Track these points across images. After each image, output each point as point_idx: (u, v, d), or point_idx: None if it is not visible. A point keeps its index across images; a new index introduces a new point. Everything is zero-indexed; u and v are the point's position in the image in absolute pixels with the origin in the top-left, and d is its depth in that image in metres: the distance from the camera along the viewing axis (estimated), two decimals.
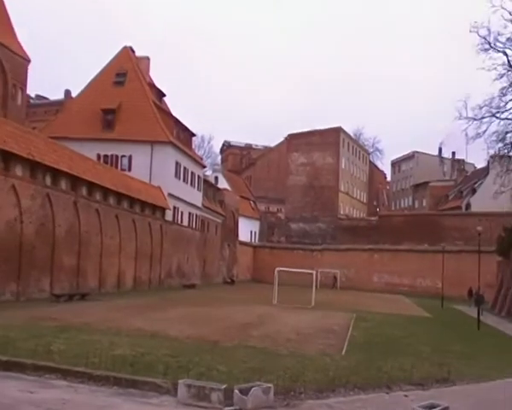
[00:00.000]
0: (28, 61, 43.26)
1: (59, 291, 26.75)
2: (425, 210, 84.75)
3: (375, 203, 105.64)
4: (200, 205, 51.49)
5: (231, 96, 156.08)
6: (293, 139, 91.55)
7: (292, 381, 10.72)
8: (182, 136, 48.53)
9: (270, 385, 9.65)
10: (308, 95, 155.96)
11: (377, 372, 12.21)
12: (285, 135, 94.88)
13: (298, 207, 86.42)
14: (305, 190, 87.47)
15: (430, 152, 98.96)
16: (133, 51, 50.12)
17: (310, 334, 18.79)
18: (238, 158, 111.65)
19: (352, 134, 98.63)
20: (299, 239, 78.42)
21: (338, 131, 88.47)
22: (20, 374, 10.49)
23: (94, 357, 11.41)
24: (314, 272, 36.74)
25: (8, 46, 40.60)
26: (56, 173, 27.37)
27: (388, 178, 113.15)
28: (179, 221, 46.23)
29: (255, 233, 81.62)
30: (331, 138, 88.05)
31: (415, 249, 62.14)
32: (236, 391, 9.23)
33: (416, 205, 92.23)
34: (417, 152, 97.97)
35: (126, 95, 45.21)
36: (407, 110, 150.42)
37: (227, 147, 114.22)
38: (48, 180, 26.80)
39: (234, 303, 30.67)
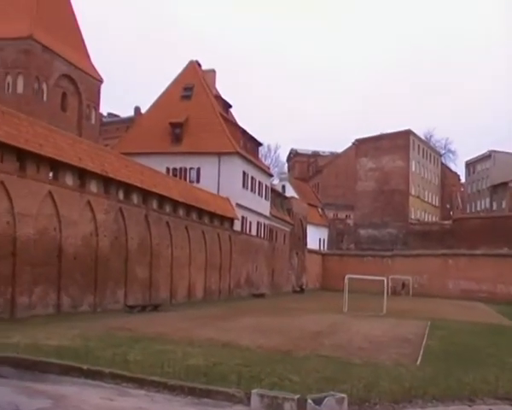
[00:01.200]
0: (101, 81, 45.21)
1: (132, 302, 27.57)
2: (505, 212, 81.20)
3: (448, 206, 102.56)
4: (268, 214, 51.71)
5: (297, 104, 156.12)
6: (361, 144, 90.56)
7: (366, 391, 10.54)
8: (248, 146, 48.99)
9: (343, 395, 9.52)
10: (376, 99, 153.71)
11: (457, 384, 11.60)
12: (352, 140, 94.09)
13: (367, 213, 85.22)
14: (374, 195, 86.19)
15: (509, 151, 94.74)
16: (199, 65, 51.22)
17: (383, 343, 18.44)
18: (305, 166, 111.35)
19: (422, 136, 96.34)
20: (368, 246, 77.26)
21: (407, 133, 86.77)
22: (100, 382, 10.89)
23: (168, 367, 11.66)
24: (385, 279, 36.09)
25: (83, 68, 42.61)
26: (128, 188, 28.28)
27: (462, 180, 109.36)
28: (247, 231, 46.59)
29: (324, 241, 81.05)
30: (400, 142, 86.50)
31: (494, 254, 59.59)
32: (310, 401, 9.16)
33: (495, 207, 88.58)
34: (495, 151, 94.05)
35: (193, 108, 46.22)
36: (481, 109, 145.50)
37: (294, 155, 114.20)
38: (120, 195, 27.74)
39: (304, 312, 30.54)
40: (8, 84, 37.90)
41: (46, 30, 39.06)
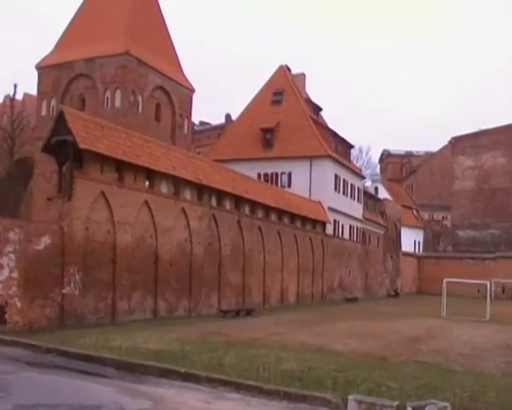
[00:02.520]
0: (192, 91, 46.54)
1: (226, 307, 27.95)
2: None
3: None
4: (360, 217, 50.97)
5: (389, 104, 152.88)
6: (458, 142, 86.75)
7: (471, 401, 10.04)
8: (340, 148, 48.56)
9: (446, 404, 9.07)
10: (473, 94, 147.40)
11: None
12: (449, 139, 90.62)
13: (466, 213, 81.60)
14: (473, 194, 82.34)
15: None
16: (289, 69, 51.49)
17: (487, 350, 17.53)
18: (398, 166, 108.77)
19: None
20: (467, 248, 74.00)
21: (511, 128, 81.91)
22: (196, 385, 11.14)
23: (263, 371, 11.74)
24: (487, 283, 34.49)
25: (176, 80, 44.07)
26: (221, 194, 28.71)
27: None
28: (340, 234, 46.13)
29: (419, 243, 78.81)
30: (503, 137, 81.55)
31: None
32: (409, 409, 8.88)
33: None
34: None
35: (284, 113, 46.47)
36: None
37: (386, 156, 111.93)
38: (213, 201, 28.20)
39: (399, 316, 29.76)
40: (107, 98, 39.84)
41: (141, 45, 40.76)
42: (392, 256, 61.18)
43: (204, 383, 11.21)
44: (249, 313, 27.92)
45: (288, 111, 46.54)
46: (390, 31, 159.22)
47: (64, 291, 19.11)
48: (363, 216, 51.73)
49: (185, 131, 45.79)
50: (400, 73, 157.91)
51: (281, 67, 50.77)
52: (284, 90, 48.56)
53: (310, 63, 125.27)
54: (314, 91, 55.40)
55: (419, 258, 71.13)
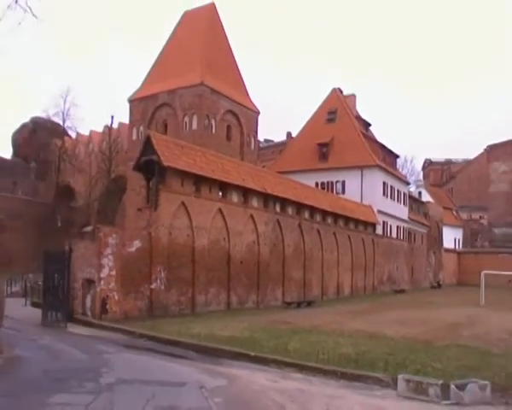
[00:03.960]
0: (258, 113, 46.83)
1: (289, 299, 27.83)
2: None
3: None
4: (406, 218, 49.80)
5: (430, 113, 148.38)
6: (493, 150, 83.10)
7: (509, 379, 9.60)
8: (387, 159, 47.72)
9: (486, 382, 8.82)
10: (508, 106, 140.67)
11: None
12: (484, 147, 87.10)
13: (502, 212, 77.87)
14: (508, 196, 78.62)
15: None
16: (341, 91, 51.20)
17: None
18: (439, 173, 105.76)
19: None
20: (503, 243, 70.75)
21: None
22: (265, 366, 11.20)
23: (323, 354, 11.67)
24: None
25: (243, 104, 44.51)
26: (284, 202, 28.72)
27: None
28: (388, 234, 45.18)
29: (459, 240, 76.28)
30: None
31: None
32: (453, 386, 8.68)
33: None
34: None
35: (337, 129, 46.15)
36: None
37: (428, 164, 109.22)
38: (277, 208, 28.26)
39: (442, 305, 28.78)
40: (186, 123, 40.72)
41: (213, 75, 41.47)
42: (434, 252, 59.53)
43: (271, 364, 11.25)
44: (309, 304, 27.74)
45: (340, 128, 46.19)
46: (431, 45, 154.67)
47: (152, 286, 19.67)
48: (408, 217, 50.53)
49: (252, 148, 46.12)
50: (439, 89, 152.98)
51: (334, 90, 50.47)
52: (337, 109, 48.19)
53: (360, 83, 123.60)
54: (364, 109, 54.66)
55: (459, 253, 68.93)
